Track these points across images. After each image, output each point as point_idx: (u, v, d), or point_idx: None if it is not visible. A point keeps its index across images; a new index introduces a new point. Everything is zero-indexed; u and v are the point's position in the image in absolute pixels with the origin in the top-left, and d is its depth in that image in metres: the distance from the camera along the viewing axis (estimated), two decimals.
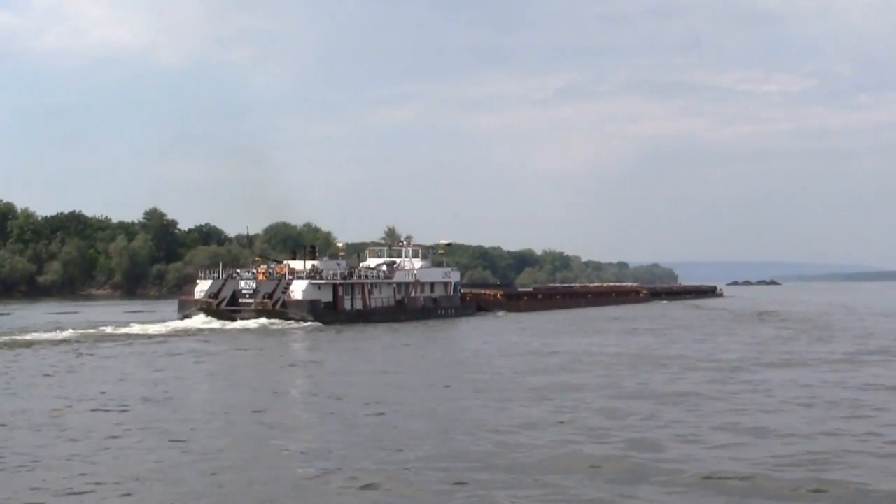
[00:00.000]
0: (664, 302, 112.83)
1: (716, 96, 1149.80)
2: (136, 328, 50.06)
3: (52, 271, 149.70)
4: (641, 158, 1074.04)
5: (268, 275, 60.00)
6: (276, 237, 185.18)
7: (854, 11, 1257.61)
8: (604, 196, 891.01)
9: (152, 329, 50.00)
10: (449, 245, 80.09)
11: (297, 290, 57.66)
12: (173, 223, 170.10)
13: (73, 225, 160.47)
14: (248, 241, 73.78)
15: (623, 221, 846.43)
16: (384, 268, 67.21)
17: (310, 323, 55.79)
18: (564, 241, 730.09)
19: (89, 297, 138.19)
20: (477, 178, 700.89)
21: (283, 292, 57.58)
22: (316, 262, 62.26)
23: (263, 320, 55.72)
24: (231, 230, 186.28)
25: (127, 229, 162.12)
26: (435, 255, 75.00)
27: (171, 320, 56.78)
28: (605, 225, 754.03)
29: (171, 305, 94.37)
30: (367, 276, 64.19)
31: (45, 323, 55.84)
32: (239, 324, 54.33)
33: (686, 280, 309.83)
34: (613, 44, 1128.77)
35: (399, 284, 67.03)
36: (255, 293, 57.90)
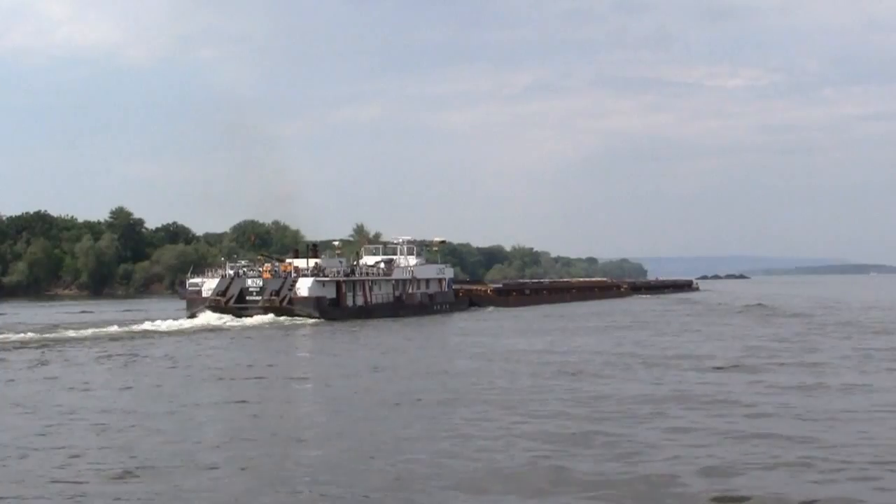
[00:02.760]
0: (645, 296, 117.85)
1: (683, 91, 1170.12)
2: (163, 326, 53.72)
3: (18, 272, 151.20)
4: (610, 154, 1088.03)
5: (273, 273, 63.46)
6: (243, 235, 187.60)
7: (820, 6, 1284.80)
8: (572, 191, 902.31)
9: (170, 326, 53.56)
10: (443, 242, 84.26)
11: (303, 287, 61.28)
12: (140, 222, 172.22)
13: (38, 225, 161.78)
14: (253, 239, 76.93)
15: (592, 217, 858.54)
16: (382, 265, 71.03)
17: (315, 319, 59.51)
18: (533, 236, 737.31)
19: (55, 298, 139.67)
20: (445, 175, 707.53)
21: (290, 289, 61.17)
22: (318, 260, 65.92)
23: (271, 317, 59.31)
24: (199, 229, 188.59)
25: (93, 229, 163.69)
26: (428, 252, 78.97)
27: (179, 318, 60.02)
28: (573, 220, 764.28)
29: (146, 304, 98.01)
30: (367, 274, 68.00)
31: (59, 322, 58.88)
32: (256, 319, 57.94)
33: (655, 274, 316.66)
34: (581, 39, 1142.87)
35: (397, 281, 70.99)
36: (262, 291, 61.41)
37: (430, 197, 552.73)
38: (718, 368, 29.28)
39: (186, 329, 52.84)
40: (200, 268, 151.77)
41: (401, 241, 76.11)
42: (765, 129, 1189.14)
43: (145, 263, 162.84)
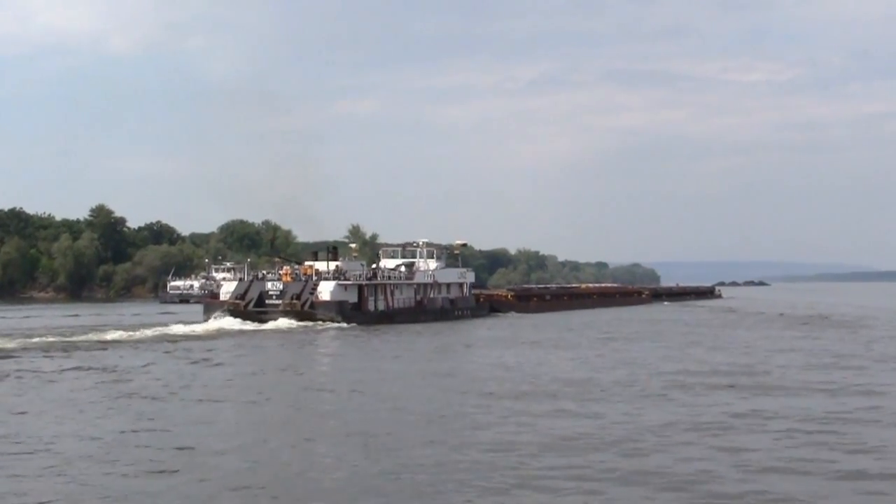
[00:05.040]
0: (666, 303, 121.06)
1: (698, 86, 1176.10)
2: (197, 329, 56.71)
3: None
4: (619, 152, 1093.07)
5: (293, 276, 66.27)
6: (232, 235, 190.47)
7: None
8: (580, 192, 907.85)
9: (197, 329, 56.41)
10: (464, 245, 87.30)
11: (325, 290, 64.13)
12: (122, 221, 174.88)
13: (13, 223, 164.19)
14: (271, 239, 79.68)
15: (601, 219, 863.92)
16: (402, 268, 73.95)
17: (337, 324, 62.31)
18: (539, 239, 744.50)
19: (30, 301, 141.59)
20: (445, 173, 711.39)
21: (311, 293, 63.99)
22: (339, 263, 68.82)
23: (293, 321, 62.07)
24: (184, 229, 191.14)
25: (71, 227, 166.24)
26: (449, 255, 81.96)
27: (198, 322, 62.68)
28: (582, 223, 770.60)
29: (130, 308, 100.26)
30: (389, 278, 70.92)
31: (77, 326, 61.60)
32: (277, 324, 60.73)
33: (668, 280, 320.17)
34: (589, 31, 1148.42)
35: (419, 285, 74.00)
36: (282, 294, 64.17)
37: (429, 196, 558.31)
38: None
39: (201, 334, 54.83)
40: (185, 270, 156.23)
41: (420, 243, 79.02)
42: (785, 126, 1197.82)
43: (127, 265, 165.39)
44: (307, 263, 69.72)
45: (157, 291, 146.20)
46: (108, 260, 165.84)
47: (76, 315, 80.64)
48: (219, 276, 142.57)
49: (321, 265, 68.31)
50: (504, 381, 31.56)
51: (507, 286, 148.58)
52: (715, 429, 21.78)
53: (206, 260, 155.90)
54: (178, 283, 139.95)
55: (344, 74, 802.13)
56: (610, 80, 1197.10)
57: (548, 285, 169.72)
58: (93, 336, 50.71)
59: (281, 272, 67.42)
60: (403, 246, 79.37)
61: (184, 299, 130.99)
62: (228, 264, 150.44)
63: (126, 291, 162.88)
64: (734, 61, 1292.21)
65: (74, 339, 48.71)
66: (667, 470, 17.53)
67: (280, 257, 73.52)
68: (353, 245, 79.16)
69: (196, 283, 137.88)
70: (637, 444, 19.94)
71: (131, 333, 52.14)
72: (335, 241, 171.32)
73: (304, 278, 66.11)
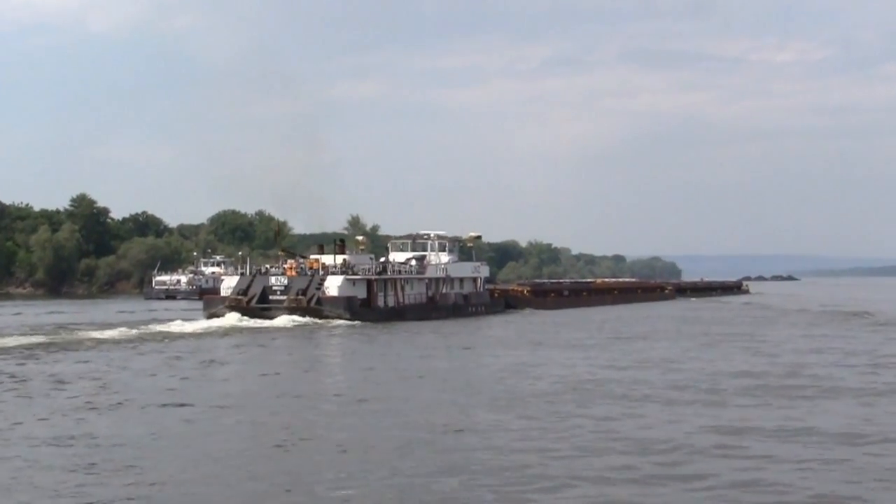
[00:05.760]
0: (693, 300, 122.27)
1: (723, 67, 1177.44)
2: (176, 327, 57.65)
3: None
4: (638, 138, 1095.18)
5: (298, 270, 67.29)
6: (223, 227, 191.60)
7: None
8: (596, 180, 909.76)
9: (197, 327, 57.43)
10: (478, 238, 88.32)
11: (333, 286, 65.16)
12: (105, 211, 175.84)
13: None
14: (277, 231, 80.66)
15: (618, 209, 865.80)
16: (413, 262, 74.98)
17: (346, 321, 63.30)
18: (552, 231, 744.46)
19: (7, 297, 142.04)
20: (451, 161, 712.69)
21: (318, 288, 65.03)
22: (347, 257, 69.87)
23: (298, 318, 63.09)
24: (172, 219, 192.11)
25: (51, 218, 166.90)
26: (462, 248, 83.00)
27: (198, 319, 63.67)
28: (597, 213, 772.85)
29: (114, 304, 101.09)
30: (399, 272, 71.95)
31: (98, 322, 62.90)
32: (281, 320, 61.77)
33: (690, 275, 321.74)
34: (607, 8, 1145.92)
35: (430, 280, 75.08)
36: (286, 289, 65.20)
37: (433, 185, 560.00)
38: None
39: (201, 332, 55.67)
40: (173, 264, 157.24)
41: (432, 235, 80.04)
42: (817, 109, 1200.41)
43: (110, 258, 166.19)
44: (313, 257, 70.77)
45: (143, 287, 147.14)
46: (90, 253, 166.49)
47: (58, 312, 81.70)
48: (208, 270, 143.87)
49: (328, 259, 69.33)
50: (564, 395, 28.36)
51: (517, 281, 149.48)
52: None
53: (195, 253, 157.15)
54: (164, 277, 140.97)
55: (342, 55, 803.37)
56: (629, 61, 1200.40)
57: (560, 280, 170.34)
58: (82, 334, 51.55)
59: (285, 266, 68.29)
60: (413, 238, 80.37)
61: (170, 295, 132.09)
62: (218, 258, 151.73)
63: (109, 287, 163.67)
64: (762, 40, 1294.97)
65: (59, 338, 49.06)
66: None
67: (284, 250, 74.31)
68: (360, 238, 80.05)
69: (183, 278, 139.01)
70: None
71: (123, 331, 53.09)
72: (334, 233, 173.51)
73: (309, 273, 67.12)
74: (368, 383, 32.43)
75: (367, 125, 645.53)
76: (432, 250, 78.92)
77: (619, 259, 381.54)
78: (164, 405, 26.62)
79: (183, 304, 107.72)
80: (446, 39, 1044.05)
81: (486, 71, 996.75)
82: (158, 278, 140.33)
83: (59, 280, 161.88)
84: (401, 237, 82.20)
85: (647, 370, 35.53)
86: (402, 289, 71.61)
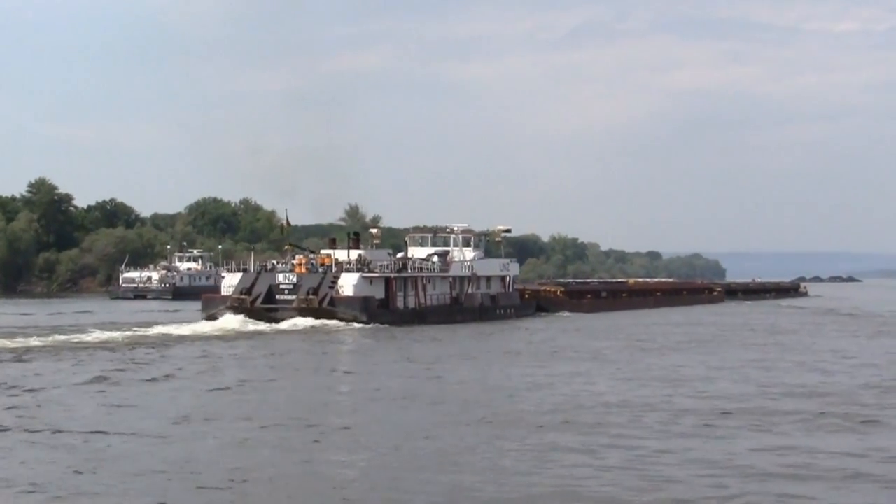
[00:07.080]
0: (747, 303, 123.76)
1: (775, 37, 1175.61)
2: (195, 330, 59.63)
3: None
4: (676, 119, 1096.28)
5: (309, 267, 68.67)
6: (202, 217, 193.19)
7: None
8: (628, 167, 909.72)
9: (195, 330, 59.04)
10: (507, 231, 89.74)
11: (347, 284, 66.57)
12: (67, 198, 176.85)
13: None
14: (285, 227, 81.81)
15: (653, 200, 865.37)
16: (436, 258, 76.36)
17: (362, 324, 64.66)
18: (578, 224, 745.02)
19: None
20: (464, 143, 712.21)
21: (331, 287, 66.42)
22: (362, 252, 71.29)
23: (309, 321, 64.44)
24: (145, 208, 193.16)
25: (5, 206, 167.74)
26: (490, 243, 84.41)
27: (195, 321, 65.20)
28: (629, 204, 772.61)
29: (78, 304, 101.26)
30: (421, 269, 73.38)
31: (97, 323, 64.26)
32: (290, 323, 63.44)
33: (735, 275, 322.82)
34: None
35: (455, 279, 76.55)
36: (295, 288, 66.55)
37: (445, 170, 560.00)
38: None
39: (199, 335, 57.40)
40: (145, 259, 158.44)
41: (455, 229, 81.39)
42: (883, 86, 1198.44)
43: (73, 252, 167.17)
44: (324, 252, 72.20)
45: (110, 285, 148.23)
46: (51, 246, 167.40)
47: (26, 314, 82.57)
48: (183, 266, 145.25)
49: (341, 254, 70.73)
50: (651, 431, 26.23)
51: (537, 280, 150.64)
52: None
53: (169, 247, 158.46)
54: (134, 274, 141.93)
55: (340, 22, 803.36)
56: (666, 30, 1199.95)
57: (587, 279, 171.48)
58: (65, 337, 52.86)
59: (294, 262, 69.59)
60: (434, 232, 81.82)
61: (140, 294, 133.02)
62: (195, 252, 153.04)
63: (72, 284, 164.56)
64: (820, 7, 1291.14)
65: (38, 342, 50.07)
66: None
67: (291, 244, 75.74)
68: (374, 230, 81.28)
69: (155, 275, 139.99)
70: None
71: (111, 335, 54.55)
72: (329, 224, 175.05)
73: (321, 269, 68.50)
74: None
75: (368, 102, 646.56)
76: (455, 245, 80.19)
77: (654, 256, 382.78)
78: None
79: (154, 304, 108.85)
80: (456, 4, 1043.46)
81: (505, 41, 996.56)
82: (127, 275, 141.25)
83: (15, 277, 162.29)
84: (420, 230, 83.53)
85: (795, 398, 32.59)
86: (424, 288, 73.04)
